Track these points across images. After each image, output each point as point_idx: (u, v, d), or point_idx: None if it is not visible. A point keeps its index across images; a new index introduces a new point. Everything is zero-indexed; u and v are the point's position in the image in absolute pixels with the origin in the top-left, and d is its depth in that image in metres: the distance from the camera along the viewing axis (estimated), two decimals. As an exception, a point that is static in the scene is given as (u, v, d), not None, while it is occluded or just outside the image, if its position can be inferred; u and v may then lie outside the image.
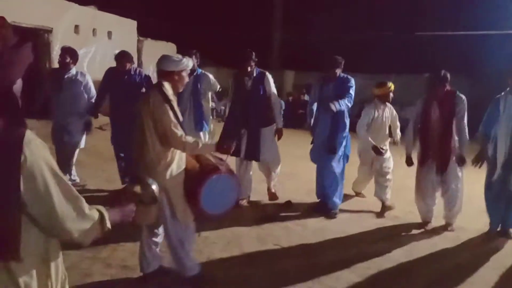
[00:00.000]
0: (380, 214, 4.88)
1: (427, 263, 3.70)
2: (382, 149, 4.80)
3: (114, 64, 5.02)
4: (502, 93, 4.16)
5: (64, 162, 4.99)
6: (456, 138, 4.20)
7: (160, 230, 3.05)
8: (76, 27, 9.09)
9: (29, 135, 1.15)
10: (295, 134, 9.34)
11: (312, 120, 4.92)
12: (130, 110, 4.77)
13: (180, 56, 2.87)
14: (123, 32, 10.44)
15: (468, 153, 4.21)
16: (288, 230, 4.25)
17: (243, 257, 3.59)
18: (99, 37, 9.74)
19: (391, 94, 4.95)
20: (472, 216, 4.73)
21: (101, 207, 1.36)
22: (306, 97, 12.30)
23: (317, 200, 5.00)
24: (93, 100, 5.06)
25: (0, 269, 1.16)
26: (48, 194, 1.17)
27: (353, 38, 15.76)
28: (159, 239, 3.08)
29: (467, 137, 4.20)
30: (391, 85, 4.96)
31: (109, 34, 10.09)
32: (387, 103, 5.00)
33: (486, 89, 8.75)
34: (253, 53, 4.64)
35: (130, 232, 3.06)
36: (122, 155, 5.03)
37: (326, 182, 4.76)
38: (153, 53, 11.42)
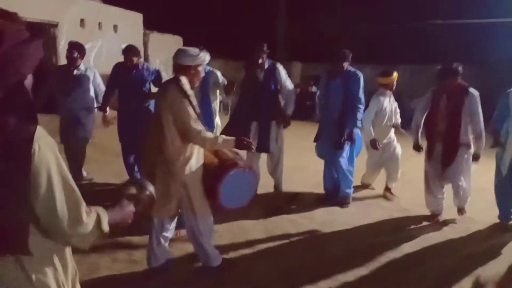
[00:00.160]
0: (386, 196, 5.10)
1: (436, 255, 3.65)
2: (379, 145, 4.84)
3: (120, 58, 5.00)
4: (510, 90, 4.05)
5: (73, 158, 5.02)
6: (469, 134, 4.09)
7: (172, 225, 3.07)
8: (82, 21, 9.07)
9: (40, 131, 1.15)
10: (303, 126, 9.27)
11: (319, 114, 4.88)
12: (138, 105, 4.85)
13: (197, 50, 2.84)
14: (129, 25, 10.40)
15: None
16: (295, 223, 4.22)
17: (250, 251, 3.58)
18: (105, 31, 9.71)
19: (395, 83, 5.01)
20: (483, 208, 4.65)
21: (101, 210, 1.34)
22: (314, 89, 12.20)
23: (326, 193, 4.95)
24: (101, 96, 5.07)
25: (13, 265, 1.17)
26: (51, 193, 1.17)
27: (361, 28, 15.58)
28: (170, 234, 3.08)
29: (483, 133, 4.05)
30: (396, 74, 5.02)
31: (115, 27, 10.06)
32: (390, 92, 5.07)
33: (496, 79, 8.61)
34: (265, 45, 4.56)
35: (137, 226, 3.04)
36: (130, 149, 5.03)
37: (337, 176, 4.75)
38: (159, 46, 11.41)
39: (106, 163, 6.01)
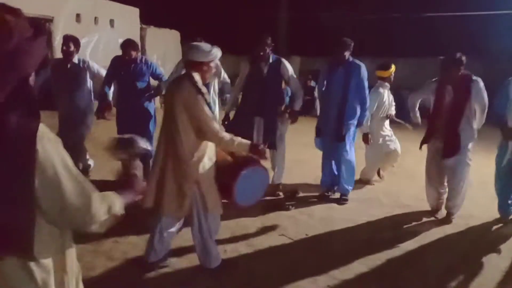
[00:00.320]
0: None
1: (437, 252, 3.60)
2: (371, 140, 4.91)
3: (117, 53, 4.93)
4: (510, 78, 3.99)
5: (74, 151, 4.95)
6: (473, 124, 4.03)
7: (178, 225, 3.05)
8: (78, 15, 8.97)
9: (43, 128, 1.15)
10: (301, 120, 9.12)
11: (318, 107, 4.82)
12: (136, 99, 4.79)
13: (209, 46, 2.79)
14: (125, 20, 10.29)
15: (480, 139, 4.07)
16: (294, 220, 4.17)
17: (248, 248, 3.52)
18: (101, 25, 9.61)
19: (393, 76, 5.16)
20: (483, 203, 4.60)
21: (111, 194, 1.36)
22: (313, 83, 12.12)
23: (323, 188, 4.89)
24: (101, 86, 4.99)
25: (18, 266, 1.16)
26: (59, 189, 1.17)
27: (360, 18, 15.47)
28: (175, 229, 3.05)
29: (484, 115, 4.03)
30: (394, 67, 5.17)
31: (111, 22, 9.96)
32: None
33: (497, 71, 8.53)
34: (269, 38, 4.45)
35: (132, 224, 3.00)
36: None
37: (338, 170, 4.69)
38: (156, 41, 11.29)
39: (104, 159, 5.93)
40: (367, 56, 10.47)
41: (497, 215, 4.27)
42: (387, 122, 5.28)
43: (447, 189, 4.29)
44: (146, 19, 11.27)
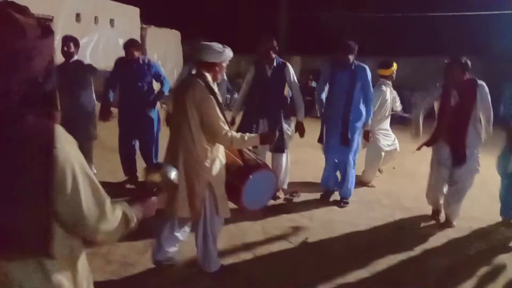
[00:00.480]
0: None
1: (438, 255, 3.57)
2: (371, 138, 4.92)
3: (117, 52, 4.92)
4: None
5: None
6: (479, 129, 3.97)
7: (187, 227, 3.03)
8: (78, 15, 8.95)
9: (59, 129, 1.13)
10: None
11: (322, 110, 4.75)
12: (138, 99, 4.75)
13: (221, 46, 2.75)
14: (125, 19, 10.28)
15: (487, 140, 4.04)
16: (294, 223, 4.13)
17: (248, 252, 3.48)
18: (101, 25, 9.59)
19: (395, 74, 5.22)
20: (486, 204, 4.57)
21: (125, 205, 1.34)
22: (314, 84, 12.10)
23: (324, 190, 4.86)
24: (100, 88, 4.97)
25: (35, 268, 1.14)
26: (76, 192, 1.15)
27: (361, 17, 15.43)
28: (184, 235, 3.03)
29: (491, 118, 3.96)
30: (395, 65, 5.22)
31: (112, 21, 9.94)
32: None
33: (498, 71, 8.50)
34: (274, 40, 4.41)
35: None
36: (132, 143, 4.95)
37: (343, 174, 4.65)
38: (157, 41, 11.28)
39: (103, 159, 5.92)
40: (368, 56, 10.43)
41: (498, 216, 4.23)
42: (387, 122, 5.27)
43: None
44: (147, 19, 11.25)
